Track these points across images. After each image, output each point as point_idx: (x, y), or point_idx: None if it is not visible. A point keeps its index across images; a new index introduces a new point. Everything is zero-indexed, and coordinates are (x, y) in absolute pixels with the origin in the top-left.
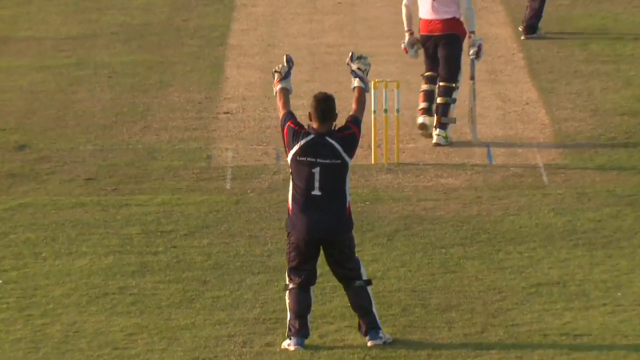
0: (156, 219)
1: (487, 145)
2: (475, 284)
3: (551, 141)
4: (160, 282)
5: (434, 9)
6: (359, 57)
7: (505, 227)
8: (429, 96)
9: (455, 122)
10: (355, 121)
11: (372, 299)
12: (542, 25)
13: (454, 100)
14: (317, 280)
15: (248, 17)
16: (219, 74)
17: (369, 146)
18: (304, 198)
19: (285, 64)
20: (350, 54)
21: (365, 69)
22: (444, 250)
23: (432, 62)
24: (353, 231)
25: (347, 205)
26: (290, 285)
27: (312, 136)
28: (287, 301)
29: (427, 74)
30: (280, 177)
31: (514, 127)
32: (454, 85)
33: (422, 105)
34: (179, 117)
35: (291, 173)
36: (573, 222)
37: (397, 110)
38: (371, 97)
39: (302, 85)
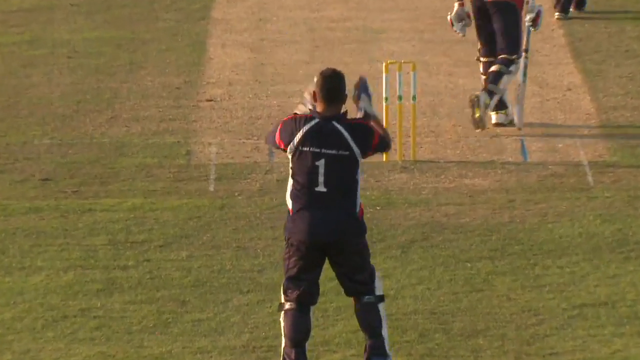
0: (125, 227)
1: (522, 138)
2: (507, 305)
3: (598, 134)
4: (130, 303)
5: None
6: (367, 91)
7: (542, 237)
8: (489, 68)
9: (502, 94)
10: (365, 117)
11: (383, 318)
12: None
13: (510, 72)
14: (318, 300)
15: None
16: (200, 53)
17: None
18: (306, 196)
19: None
20: (359, 80)
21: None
22: (469, 265)
23: (486, 41)
24: (366, 237)
25: (358, 206)
26: (287, 306)
27: (316, 120)
28: (282, 325)
29: (483, 59)
30: (273, 177)
31: (553, 117)
32: (514, 57)
33: (485, 78)
34: (153, 106)
35: (291, 168)
36: (624, 230)
37: (413, 98)
38: (382, 82)
39: (300, 68)
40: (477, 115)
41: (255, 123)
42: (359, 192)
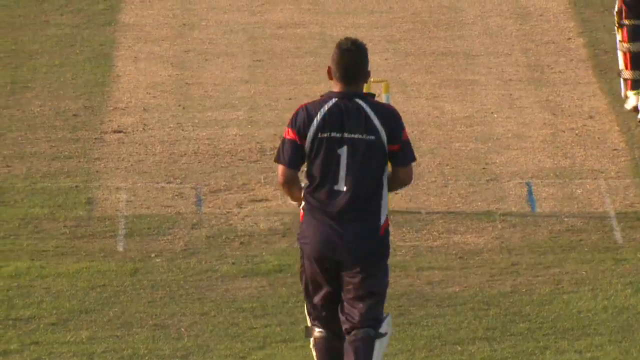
0: (7, 299)
1: (528, 182)
2: None
3: (628, 176)
4: None
5: None
6: None
7: (555, 312)
8: (638, 33)
9: None
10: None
11: (374, 357)
12: None
13: None
14: None
15: None
16: (105, 70)
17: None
18: (320, 196)
19: None
20: None
21: None
22: (459, 348)
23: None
24: (388, 259)
25: (384, 217)
26: (317, 332)
27: (334, 100)
28: (314, 355)
29: (629, 21)
30: (202, 233)
31: (570, 153)
32: None
33: (627, 46)
34: (43, 139)
35: (307, 164)
36: None
37: None
38: None
39: (237, 88)
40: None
41: (178, 162)
42: (387, 200)
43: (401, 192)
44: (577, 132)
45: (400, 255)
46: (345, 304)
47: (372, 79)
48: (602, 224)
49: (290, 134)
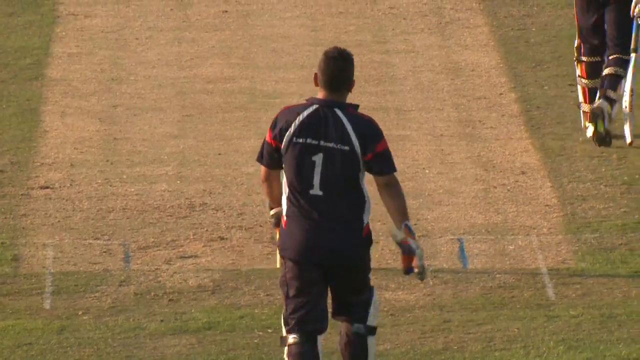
0: None
1: (460, 238)
2: None
3: (561, 232)
4: None
5: None
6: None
7: None
8: (594, 70)
9: (620, 102)
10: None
11: (371, 356)
12: None
13: (626, 75)
14: (327, 326)
15: (79, 34)
16: (32, 125)
17: (272, 240)
18: (299, 201)
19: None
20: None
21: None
22: None
23: (593, 36)
24: (370, 253)
25: (365, 222)
26: (290, 339)
27: (315, 107)
28: None
29: (587, 58)
30: (130, 290)
31: (502, 209)
32: (627, 57)
33: (586, 82)
34: None
35: (284, 167)
36: None
37: None
38: None
39: (166, 143)
40: (601, 129)
41: (106, 218)
42: (369, 204)
43: None
44: (509, 188)
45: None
46: (336, 298)
47: None
48: (534, 281)
49: (268, 136)
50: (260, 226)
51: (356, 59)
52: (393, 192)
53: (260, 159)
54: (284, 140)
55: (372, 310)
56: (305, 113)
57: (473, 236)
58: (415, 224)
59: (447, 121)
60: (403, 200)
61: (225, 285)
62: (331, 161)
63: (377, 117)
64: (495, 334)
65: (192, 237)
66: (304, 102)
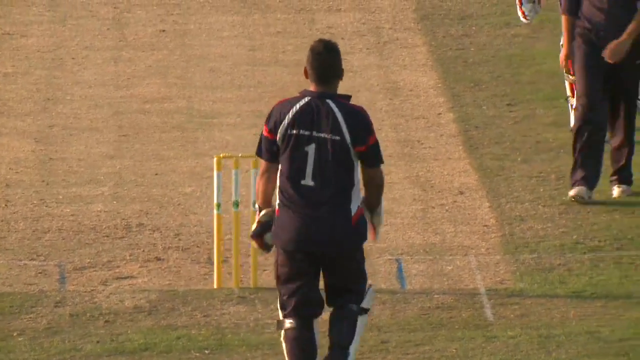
0: None
1: (398, 259)
2: None
3: (499, 253)
4: None
5: None
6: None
7: None
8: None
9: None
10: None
11: (357, 333)
12: None
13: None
14: (322, 310)
15: (15, 53)
16: None
17: (210, 260)
18: (291, 190)
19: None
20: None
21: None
22: None
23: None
24: (363, 244)
25: (356, 208)
26: (287, 324)
27: (307, 99)
28: (284, 347)
29: None
30: (66, 311)
31: (441, 230)
32: None
33: (572, 78)
34: None
35: (280, 159)
36: None
37: (254, 204)
38: (213, 182)
39: (102, 164)
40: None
41: (42, 238)
42: (358, 194)
43: (270, 270)
44: (447, 208)
45: (269, 333)
46: (331, 287)
47: (240, 154)
48: (472, 301)
49: (265, 131)
50: (197, 247)
51: (294, 79)
52: (376, 186)
53: (259, 153)
54: (279, 132)
55: (367, 297)
56: (298, 105)
57: (411, 256)
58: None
59: (386, 141)
60: (381, 194)
61: (161, 306)
62: (323, 151)
63: None
64: (433, 355)
65: (128, 257)
66: (297, 95)
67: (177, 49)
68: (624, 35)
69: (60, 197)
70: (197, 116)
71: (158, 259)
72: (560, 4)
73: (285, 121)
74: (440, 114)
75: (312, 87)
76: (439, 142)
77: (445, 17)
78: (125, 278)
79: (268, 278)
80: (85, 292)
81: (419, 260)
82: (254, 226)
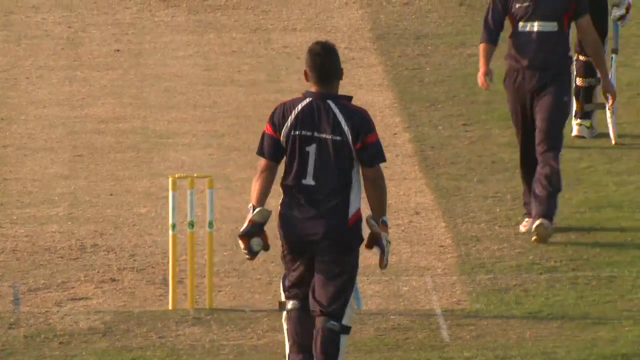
0: None
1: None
2: None
3: (455, 273)
4: None
5: None
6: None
7: None
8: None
9: (603, 108)
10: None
11: (341, 353)
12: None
13: (599, 81)
14: None
15: None
16: None
17: (165, 281)
18: (292, 189)
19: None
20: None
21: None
22: None
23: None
24: (358, 250)
25: (354, 210)
26: (289, 305)
27: (308, 99)
28: (285, 328)
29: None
30: (20, 333)
31: (397, 250)
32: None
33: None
34: None
35: (285, 158)
36: None
37: (210, 224)
38: (168, 203)
39: (57, 184)
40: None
41: None
42: (358, 194)
43: (226, 290)
44: (403, 228)
45: (224, 354)
46: (315, 287)
47: (195, 175)
48: (428, 322)
49: (269, 129)
50: (152, 267)
51: (249, 99)
52: (377, 186)
53: (260, 151)
54: (282, 133)
55: (348, 310)
56: (300, 106)
57: (367, 277)
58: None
59: None
60: (385, 195)
61: (116, 327)
62: (324, 151)
63: None
64: None
65: (83, 278)
66: (300, 96)
67: (132, 69)
68: (601, 75)
69: (15, 217)
70: (152, 136)
71: (113, 279)
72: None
73: (289, 122)
74: (396, 133)
75: (313, 88)
76: (395, 162)
77: (401, 37)
78: (80, 299)
79: (223, 299)
80: (39, 313)
81: (375, 281)
82: (245, 225)
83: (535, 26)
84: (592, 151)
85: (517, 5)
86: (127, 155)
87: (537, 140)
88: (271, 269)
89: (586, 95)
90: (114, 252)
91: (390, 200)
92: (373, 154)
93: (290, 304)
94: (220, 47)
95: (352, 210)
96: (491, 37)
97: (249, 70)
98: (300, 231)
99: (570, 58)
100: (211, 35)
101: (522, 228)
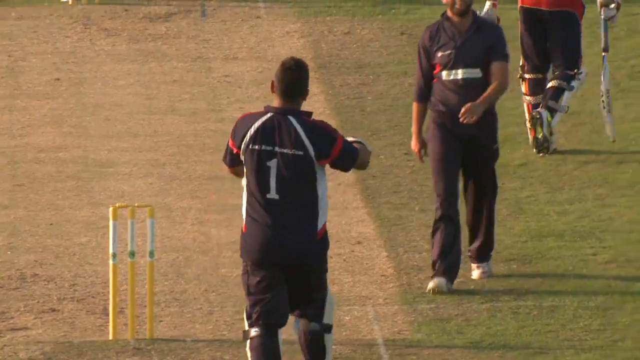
0: None
1: None
2: None
3: (397, 303)
4: None
5: None
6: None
7: None
8: (536, 87)
9: (566, 112)
10: (343, 136)
11: (327, 351)
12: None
13: (572, 89)
14: (287, 320)
15: None
16: None
17: (105, 311)
18: (257, 205)
19: None
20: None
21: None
22: None
23: (536, 55)
24: (327, 254)
25: (321, 224)
26: (252, 332)
27: (269, 115)
28: (249, 355)
29: (529, 75)
30: None
31: (338, 280)
32: (574, 72)
33: (529, 98)
34: None
35: (245, 173)
36: None
37: (151, 254)
38: (109, 232)
39: None
40: (540, 135)
41: None
42: (325, 208)
43: (166, 320)
44: (344, 257)
45: None
46: (294, 296)
47: (136, 204)
48: (370, 352)
49: (231, 143)
50: (93, 297)
51: (190, 128)
52: (360, 166)
53: (224, 159)
54: (242, 146)
55: (327, 308)
56: (260, 121)
57: None
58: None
59: None
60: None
61: (56, 357)
62: (286, 166)
63: (212, 187)
64: None
65: (22, 308)
66: (261, 110)
67: (72, 98)
68: (481, 99)
69: None
70: (93, 165)
71: (53, 310)
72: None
73: (247, 136)
74: None
75: (275, 102)
76: (337, 191)
77: (342, 66)
78: (20, 329)
79: (164, 329)
80: None
81: None
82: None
83: (460, 73)
84: (534, 180)
85: (440, 54)
86: (67, 185)
87: (470, 189)
88: (212, 299)
89: (555, 94)
90: (54, 282)
91: (332, 229)
92: (346, 160)
93: (253, 332)
94: (161, 76)
95: (320, 224)
96: (422, 95)
97: (190, 99)
98: (267, 245)
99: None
100: (152, 64)
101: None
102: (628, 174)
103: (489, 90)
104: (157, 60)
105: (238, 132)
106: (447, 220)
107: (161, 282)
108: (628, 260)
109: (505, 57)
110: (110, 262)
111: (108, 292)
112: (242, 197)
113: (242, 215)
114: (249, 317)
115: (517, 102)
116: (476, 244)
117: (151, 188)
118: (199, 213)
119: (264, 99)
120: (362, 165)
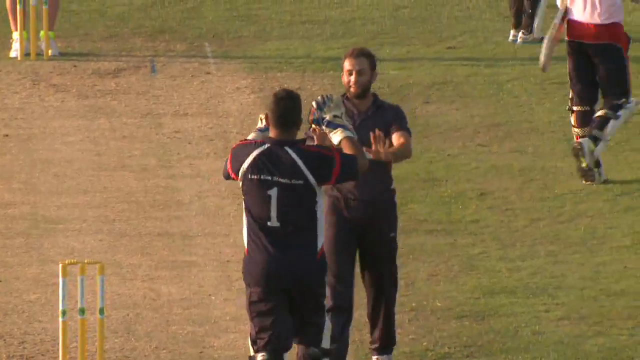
0: None
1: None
2: None
3: None
4: None
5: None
6: (327, 101)
7: None
8: (584, 119)
9: (608, 141)
10: (338, 150)
11: None
12: None
13: (618, 117)
14: (292, 344)
15: None
16: None
17: None
18: (259, 232)
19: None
20: (313, 103)
21: (342, 112)
22: None
23: (583, 86)
24: (326, 278)
25: (320, 244)
26: (259, 357)
27: (266, 146)
28: None
29: (577, 107)
30: None
31: None
32: (622, 101)
33: (577, 130)
34: None
35: (244, 200)
36: None
37: (101, 311)
38: (59, 289)
39: None
40: (584, 164)
41: None
42: (322, 227)
43: None
44: None
45: None
46: (296, 318)
47: (86, 260)
48: None
49: (228, 167)
50: (42, 355)
51: (140, 184)
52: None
53: (223, 176)
54: (239, 174)
55: (325, 331)
56: (258, 151)
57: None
58: (201, 352)
59: (234, 247)
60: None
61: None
62: (286, 195)
63: (162, 243)
64: None
65: None
66: (259, 140)
67: (21, 154)
68: (390, 150)
69: None
70: (42, 222)
71: None
72: None
73: (246, 164)
74: None
75: (272, 133)
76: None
77: None
78: None
79: None
80: None
81: None
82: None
83: None
84: (485, 237)
85: None
86: (16, 242)
87: (367, 278)
88: (163, 356)
89: (600, 124)
90: (3, 339)
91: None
92: (349, 174)
93: (259, 357)
94: (111, 132)
95: (319, 244)
96: None
97: (140, 155)
98: (269, 270)
99: (394, 190)
100: (101, 120)
101: None
102: (580, 230)
103: (396, 146)
104: (106, 116)
105: (236, 160)
106: (337, 310)
107: (111, 339)
108: (581, 317)
109: (407, 130)
110: (60, 319)
111: (58, 350)
112: (237, 224)
113: (243, 238)
114: (254, 343)
115: (469, 158)
116: (375, 335)
117: (101, 245)
118: (149, 270)
119: (213, 155)
120: (363, 167)
